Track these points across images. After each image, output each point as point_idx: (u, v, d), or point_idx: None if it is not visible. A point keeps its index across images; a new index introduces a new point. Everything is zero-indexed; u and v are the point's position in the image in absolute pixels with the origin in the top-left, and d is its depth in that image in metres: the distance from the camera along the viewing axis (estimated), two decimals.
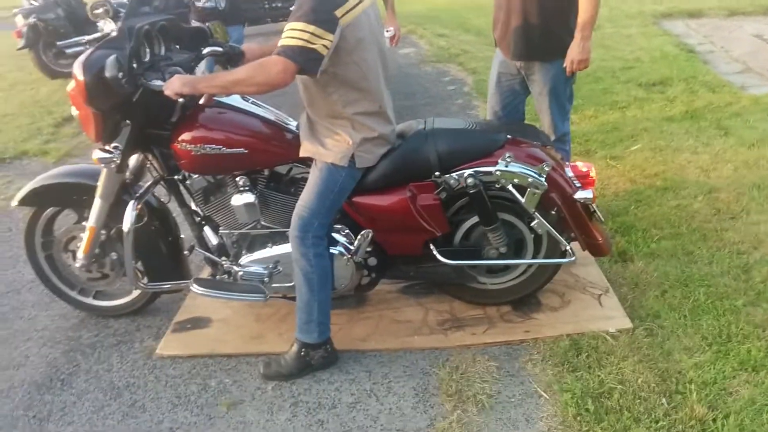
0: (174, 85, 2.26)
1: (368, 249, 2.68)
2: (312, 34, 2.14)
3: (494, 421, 2.30)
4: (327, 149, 2.42)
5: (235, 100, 2.65)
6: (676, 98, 5.59)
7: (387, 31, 4.30)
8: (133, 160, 2.71)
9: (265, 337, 2.81)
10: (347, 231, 2.68)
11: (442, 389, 2.45)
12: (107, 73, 2.21)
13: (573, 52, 3.05)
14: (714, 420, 2.17)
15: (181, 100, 2.33)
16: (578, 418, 2.23)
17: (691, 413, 2.19)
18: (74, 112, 2.45)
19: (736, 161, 4.17)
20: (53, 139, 5.74)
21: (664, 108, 5.39)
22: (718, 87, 5.81)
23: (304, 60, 2.16)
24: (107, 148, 2.55)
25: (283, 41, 2.18)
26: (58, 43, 7.24)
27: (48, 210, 2.87)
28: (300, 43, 2.14)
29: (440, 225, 2.62)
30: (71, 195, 2.79)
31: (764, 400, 2.22)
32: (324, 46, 2.16)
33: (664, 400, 2.27)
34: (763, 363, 2.39)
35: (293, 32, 2.15)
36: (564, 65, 3.10)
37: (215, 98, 2.61)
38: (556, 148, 3.33)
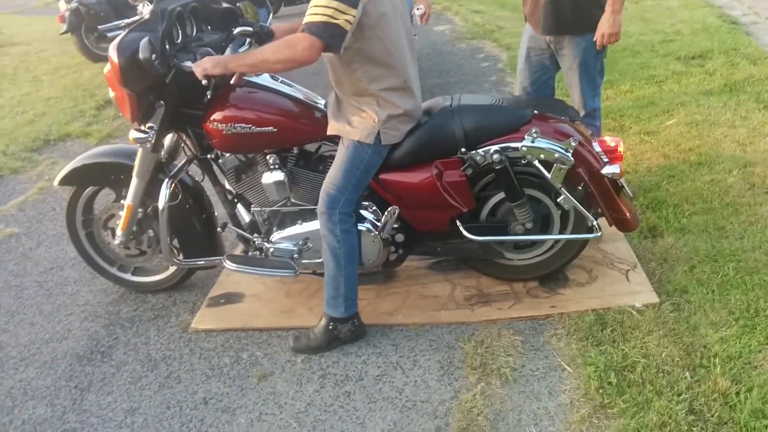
0: (205, 66, 2.33)
1: (395, 225, 2.73)
2: (335, 9, 2.17)
3: (517, 393, 2.34)
4: (353, 127, 2.46)
5: (265, 79, 2.71)
6: (715, 71, 5.44)
7: (417, 9, 4.30)
8: (168, 140, 2.80)
9: (296, 312, 2.89)
10: (374, 208, 2.72)
11: (467, 362, 2.50)
12: (140, 55, 2.29)
13: (603, 26, 3.02)
14: (737, 393, 2.16)
15: (204, 81, 2.37)
16: (600, 391, 2.25)
17: (714, 386, 2.20)
18: (111, 94, 2.54)
19: None
20: (95, 121, 5.92)
21: (702, 82, 5.26)
22: (760, 59, 5.63)
23: (328, 35, 2.20)
24: (143, 128, 2.65)
25: (307, 18, 2.22)
26: (100, 26, 7.48)
27: (88, 189, 2.99)
28: (324, 18, 2.18)
29: (466, 201, 2.64)
30: (109, 174, 2.90)
31: None
32: (347, 21, 2.19)
33: (687, 374, 2.28)
34: None
35: (317, 8, 2.19)
36: (594, 39, 3.07)
37: (245, 78, 2.68)
38: (586, 124, 3.31)
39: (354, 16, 2.20)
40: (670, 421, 2.09)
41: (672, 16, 7.58)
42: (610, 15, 2.99)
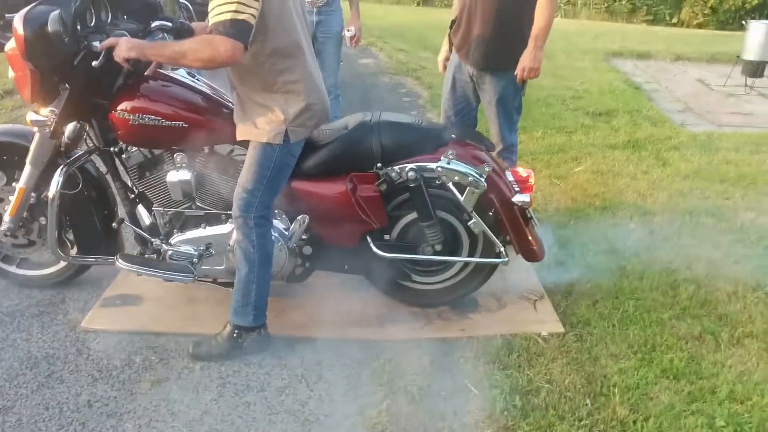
0: (121, 48, 2.20)
1: (304, 237, 2.67)
2: (238, 3, 2.09)
3: (423, 412, 2.29)
4: (259, 128, 2.37)
5: (181, 74, 2.62)
6: (620, 128, 5.78)
7: (348, 31, 4.34)
8: (70, 128, 2.61)
9: (198, 319, 2.74)
10: (284, 216, 2.65)
11: (374, 379, 2.44)
12: (50, 28, 2.14)
13: (525, 60, 3.08)
14: (634, 422, 2.22)
15: (93, 64, 2.24)
16: (505, 413, 2.25)
17: (613, 414, 2.25)
18: (11, 73, 2.36)
19: (671, 189, 4.34)
20: None
21: (608, 136, 5.57)
22: (660, 122, 6.05)
23: (235, 32, 2.10)
24: (42, 111, 2.47)
25: (214, 18, 2.11)
26: (7, 15, 6.97)
27: None
28: (229, 16, 2.08)
29: (379, 218, 2.62)
30: (1, 155, 2.67)
31: (683, 406, 2.29)
32: (252, 15, 2.12)
33: (588, 401, 2.32)
34: (684, 372, 2.47)
35: (220, 7, 2.09)
36: (515, 73, 3.16)
37: (160, 70, 2.57)
38: (503, 158, 3.40)
39: (257, 10, 2.14)
40: None
41: (582, 76, 8.04)
42: (532, 50, 3.07)
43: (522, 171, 2.75)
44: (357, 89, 6.93)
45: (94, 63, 2.22)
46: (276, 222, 2.62)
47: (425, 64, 8.28)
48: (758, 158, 5.01)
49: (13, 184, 2.64)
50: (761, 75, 7.28)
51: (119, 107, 2.44)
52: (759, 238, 3.61)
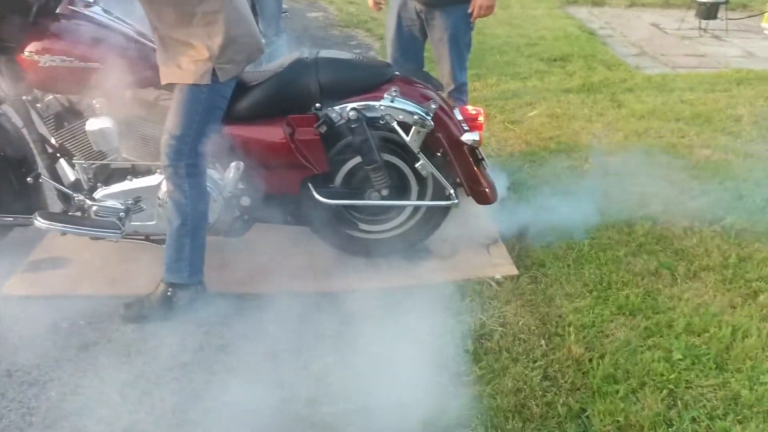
0: None
1: (240, 186, 2.49)
2: None
3: (370, 363, 2.17)
4: (184, 69, 2.19)
5: (97, 12, 2.40)
6: (575, 73, 5.67)
7: None
8: None
9: (130, 279, 2.56)
10: (217, 164, 2.48)
11: (320, 332, 2.31)
12: None
13: None
14: (590, 360, 2.15)
15: None
16: (456, 359, 2.16)
17: (569, 353, 2.17)
18: None
19: (626, 130, 4.25)
20: None
21: (563, 81, 5.45)
22: (615, 65, 5.95)
23: None
24: None
25: None
26: None
27: None
28: None
29: (319, 162, 2.46)
30: None
31: (639, 342, 2.23)
32: None
33: (542, 342, 2.23)
34: (640, 308, 2.40)
35: None
36: (469, 11, 3.03)
37: (73, 8, 2.34)
38: (453, 99, 3.26)
39: None
40: (525, 386, 2.03)
41: (536, 23, 7.88)
42: None
43: (471, 109, 2.62)
44: (305, 44, 6.66)
45: None
46: (209, 171, 2.44)
47: (376, 15, 7.99)
48: (713, 97, 4.95)
49: None
50: (714, 17, 7.22)
51: (28, 48, 2.22)
52: (714, 174, 3.55)
